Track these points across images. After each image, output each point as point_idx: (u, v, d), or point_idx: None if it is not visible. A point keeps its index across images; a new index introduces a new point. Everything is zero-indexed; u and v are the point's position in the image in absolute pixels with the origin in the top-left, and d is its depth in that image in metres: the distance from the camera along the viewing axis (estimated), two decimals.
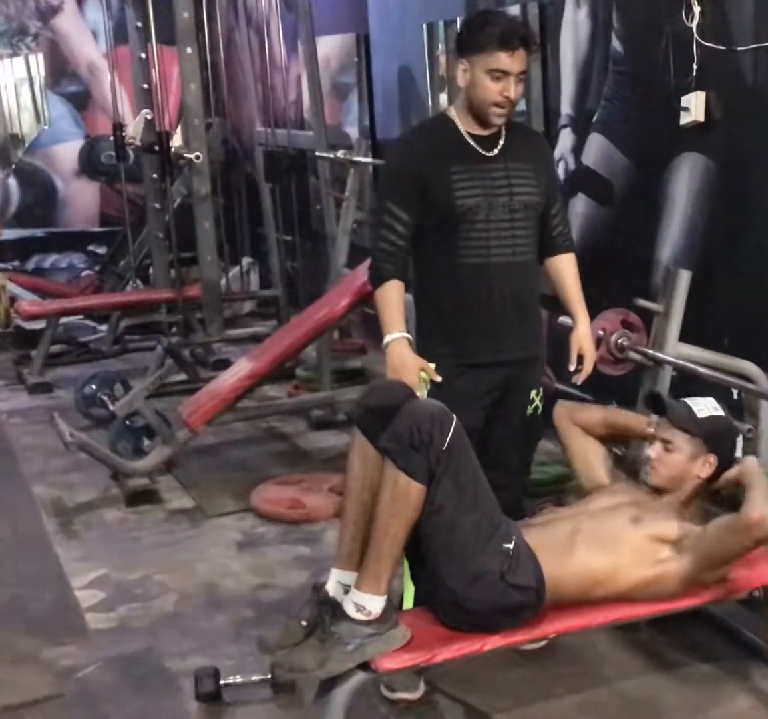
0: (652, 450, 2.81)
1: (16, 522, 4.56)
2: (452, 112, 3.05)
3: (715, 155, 3.87)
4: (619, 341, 3.42)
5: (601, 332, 3.44)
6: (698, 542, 2.64)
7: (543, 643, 3.16)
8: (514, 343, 3.09)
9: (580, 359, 3.14)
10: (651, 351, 3.31)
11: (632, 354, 3.38)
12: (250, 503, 4.50)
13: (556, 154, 4.80)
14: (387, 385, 2.85)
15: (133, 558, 4.12)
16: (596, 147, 4.55)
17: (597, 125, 4.53)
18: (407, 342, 3.01)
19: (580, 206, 4.70)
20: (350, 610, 2.54)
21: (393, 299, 3.03)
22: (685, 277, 3.31)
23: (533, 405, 3.16)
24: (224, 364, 6.76)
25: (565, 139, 4.76)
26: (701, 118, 3.84)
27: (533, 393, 3.15)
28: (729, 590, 2.78)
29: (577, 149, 4.68)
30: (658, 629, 3.20)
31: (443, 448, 2.49)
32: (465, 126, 3.01)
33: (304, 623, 2.59)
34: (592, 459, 3.01)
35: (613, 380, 3.96)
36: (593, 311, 3.59)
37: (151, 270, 8.17)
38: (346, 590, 2.61)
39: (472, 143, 3.01)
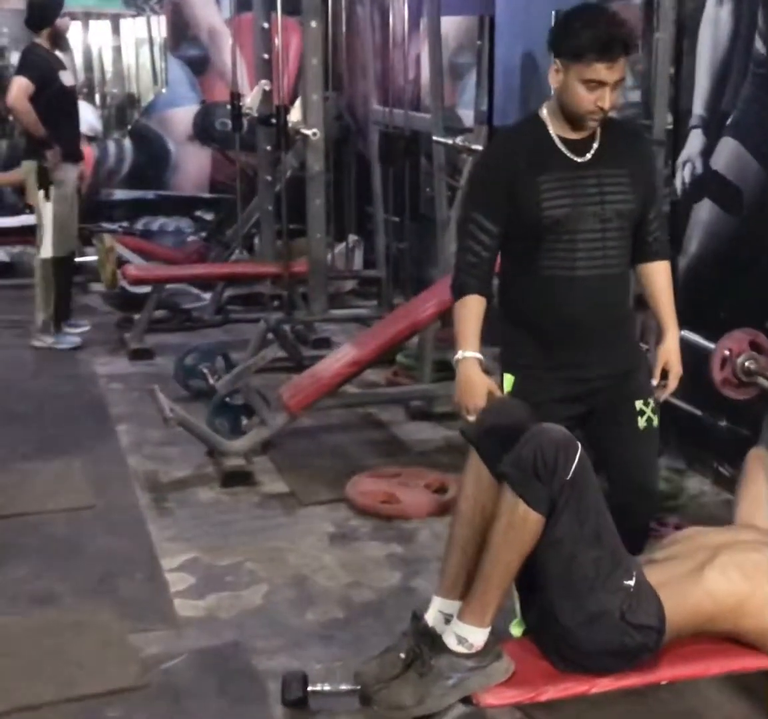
0: None
1: (110, 494, 4.57)
2: (544, 114, 2.89)
3: None
4: (746, 364, 3.27)
5: (727, 353, 3.30)
6: None
7: None
8: (604, 357, 2.95)
9: (666, 373, 2.99)
10: None
11: (761, 381, 3.22)
12: (345, 494, 4.46)
13: (684, 156, 4.63)
14: (506, 405, 2.75)
15: (224, 542, 4.11)
16: (728, 151, 4.36)
17: (731, 129, 4.34)
18: (478, 363, 2.90)
19: (704, 212, 4.52)
20: (451, 642, 2.45)
21: (471, 316, 2.91)
22: None
23: (644, 417, 2.99)
24: (325, 343, 6.77)
25: (695, 140, 4.57)
26: None
27: (639, 404, 2.98)
28: None
29: (707, 152, 4.48)
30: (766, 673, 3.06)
31: (568, 477, 2.38)
32: (557, 129, 2.86)
33: (402, 655, 2.50)
34: (762, 505, 2.83)
35: (728, 399, 3.82)
36: (710, 324, 3.46)
37: (256, 240, 8.18)
38: (448, 619, 2.53)
39: (563, 149, 2.86)
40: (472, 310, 2.92)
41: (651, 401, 3.01)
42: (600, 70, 2.69)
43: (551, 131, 2.87)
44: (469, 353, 2.89)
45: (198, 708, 3.07)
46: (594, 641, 2.43)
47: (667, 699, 3.02)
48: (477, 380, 2.87)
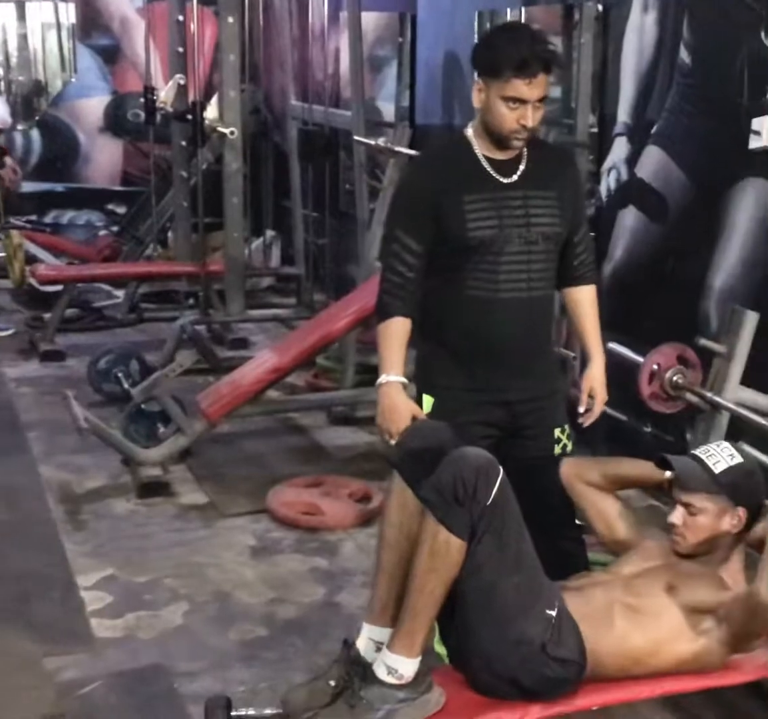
0: (675, 516, 2.59)
1: (21, 506, 4.42)
2: (470, 133, 2.83)
3: None
4: (675, 378, 3.26)
5: (655, 367, 3.28)
6: (731, 611, 2.46)
7: None
8: (523, 382, 2.89)
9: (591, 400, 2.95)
10: (709, 394, 3.14)
11: (689, 396, 3.21)
12: (266, 504, 4.36)
13: (609, 163, 4.62)
14: (431, 428, 2.68)
15: (142, 557, 3.99)
16: (653, 160, 4.36)
17: (656, 137, 4.34)
18: (401, 387, 2.82)
19: (629, 219, 4.51)
20: (381, 673, 2.40)
21: (395, 338, 2.84)
22: (752, 319, 3.14)
23: (560, 444, 2.98)
24: (242, 343, 6.66)
25: (620, 148, 4.56)
26: None
27: (557, 432, 2.96)
28: None
29: (632, 160, 4.48)
30: (706, 697, 3.04)
31: (488, 502, 2.34)
32: (482, 149, 2.80)
33: (331, 683, 2.46)
34: (609, 517, 2.80)
35: None
36: (634, 331, 3.45)
37: (170, 234, 8.02)
38: (378, 647, 2.48)
39: (488, 169, 2.79)
40: (396, 333, 2.85)
41: (567, 429, 2.99)
42: (520, 87, 2.64)
43: (477, 151, 2.80)
44: (393, 377, 2.82)
45: None
46: (514, 669, 2.40)
47: (595, 714, 2.98)
48: (401, 404, 2.80)
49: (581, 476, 2.86)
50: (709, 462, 2.57)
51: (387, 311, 2.86)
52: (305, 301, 7.07)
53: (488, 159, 2.79)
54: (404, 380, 2.85)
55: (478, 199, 2.77)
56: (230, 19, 5.72)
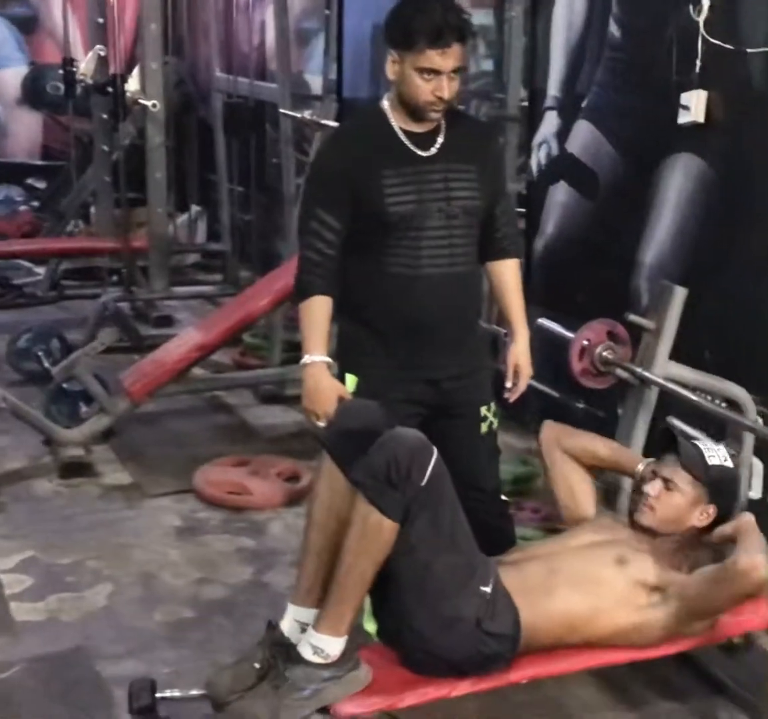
0: (651, 487, 2.61)
1: None
2: (386, 106, 2.76)
3: (713, 159, 3.67)
4: (604, 354, 3.23)
5: (585, 343, 3.25)
6: (684, 590, 2.48)
7: None
8: (448, 359, 2.85)
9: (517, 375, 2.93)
10: (639, 370, 3.12)
11: (618, 372, 3.19)
12: (192, 484, 4.28)
13: (539, 137, 4.59)
14: (361, 407, 2.61)
15: (64, 539, 3.89)
16: (583, 135, 4.33)
17: (586, 112, 4.31)
18: (326, 367, 2.76)
19: (560, 194, 4.49)
20: (307, 653, 2.35)
21: (316, 318, 2.76)
22: (680, 294, 3.12)
23: (486, 422, 2.95)
24: (167, 321, 6.54)
25: (550, 122, 4.53)
26: (701, 118, 3.63)
27: (483, 410, 2.93)
28: (710, 636, 2.64)
29: (562, 134, 4.45)
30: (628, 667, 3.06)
31: (422, 484, 2.29)
32: (399, 122, 2.73)
33: (256, 665, 2.40)
34: (577, 490, 2.81)
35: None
36: (566, 306, 3.42)
37: (92, 209, 7.85)
38: (304, 628, 2.43)
39: (406, 142, 2.73)
40: (318, 312, 2.77)
41: (493, 406, 2.96)
42: (433, 58, 2.59)
43: (393, 124, 2.74)
44: (316, 357, 2.75)
45: None
46: (449, 647, 2.38)
47: (525, 688, 2.96)
48: (326, 385, 2.73)
49: (561, 442, 2.86)
50: (706, 453, 2.62)
51: (307, 290, 2.78)
52: (231, 277, 6.97)
53: (406, 132, 2.73)
54: (328, 359, 2.79)
55: (396, 173, 2.71)
56: None
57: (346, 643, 2.37)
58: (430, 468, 2.30)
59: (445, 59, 2.59)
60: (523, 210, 4.68)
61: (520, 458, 4.44)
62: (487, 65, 5.92)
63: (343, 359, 2.92)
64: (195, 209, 7.96)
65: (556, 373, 4.32)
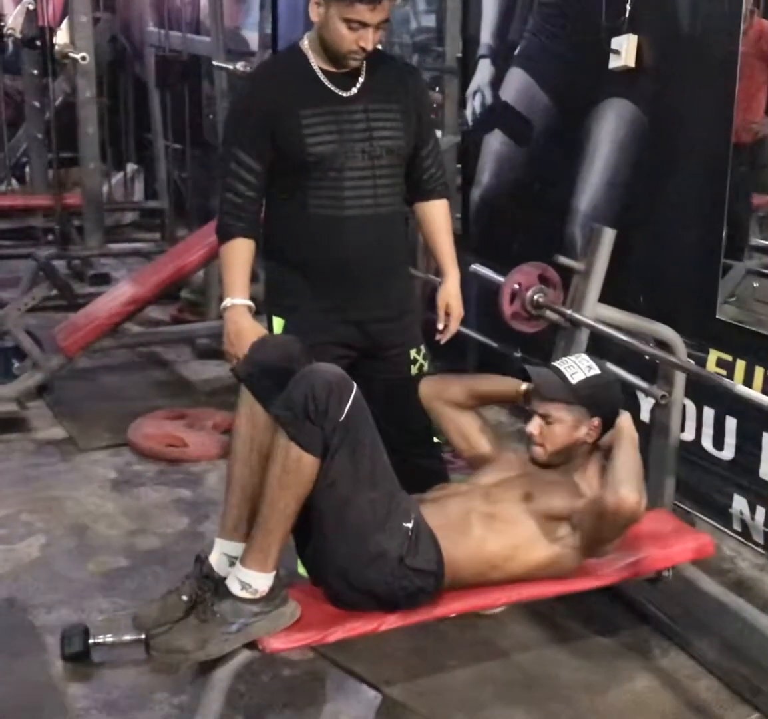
0: (532, 426, 2.61)
1: None
2: (306, 45, 2.73)
3: (644, 104, 3.67)
4: (535, 297, 3.23)
5: (516, 286, 3.24)
6: (580, 519, 2.50)
7: (502, 607, 2.99)
8: (375, 301, 2.85)
9: (447, 316, 2.95)
10: (569, 311, 3.13)
11: (549, 313, 3.20)
12: (128, 438, 4.25)
13: (473, 86, 4.56)
14: (278, 341, 2.61)
15: None
16: (517, 82, 4.31)
17: (519, 59, 4.29)
18: (247, 310, 2.75)
19: (495, 143, 4.47)
20: (235, 587, 2.34)
21: (238, 260, 2.76)
22: (609, 235, 3.12)
23: (417, 365, 2.96)
24: (103, 279, 6.46)
25: (484, 70, 4.50)
26: (631, 63, 3.63)
27: (413, 352, 2.95)
28: (638, 569, 2.68)
29: (496, 82, 4.42)
30: (556, 598, 3.08)
31: (341, 419, 2.28)
32: (319, 62, 2.71)
33: (184, 598, 2.40)
34: (469, 434, 2.80)
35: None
36: (503, 255, 3.42)
37: (27, 170, 7.72)
38: (232, 562, 2.41)
39: (326, 82, 2.71)
40: (239, 254, 2.76)
41: (423, 349, 2.98)
42: (363, 12, 2.57)
43: (313, 64, 2.71)
44: (237, 300, 2.74)
45: None
46: (372, 582, 2.38)
47: (460, 628, 3.02)
48: (247, 326, 2.73)
49: (440, 394, 2.84)
50: (567, 373, 2.60)
51: (228, 233, 2.77)
52: (169, 235, 6.88)
53: (325, 72, 2.71)
54: (250, 302, 2.78)
55: (315, 113, 2.69)
56: None
57: (273, 579, 2.36)
58: (349, 403, 2.29)
59: (374, 13, 2.58)
60: (457, 160, 4.68)
61: None
62: (429, 21, 5.89)
63: (270, 302, 2.91)
64: (131, 167, 7.85)
65: (493, 323, 4.34)
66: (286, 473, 2.29)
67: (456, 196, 4.72)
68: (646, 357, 3.53)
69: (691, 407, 3.56)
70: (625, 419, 2.58)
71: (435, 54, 5.55)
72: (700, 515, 3.55)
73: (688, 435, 3.58)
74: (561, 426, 2.58)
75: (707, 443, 3.55)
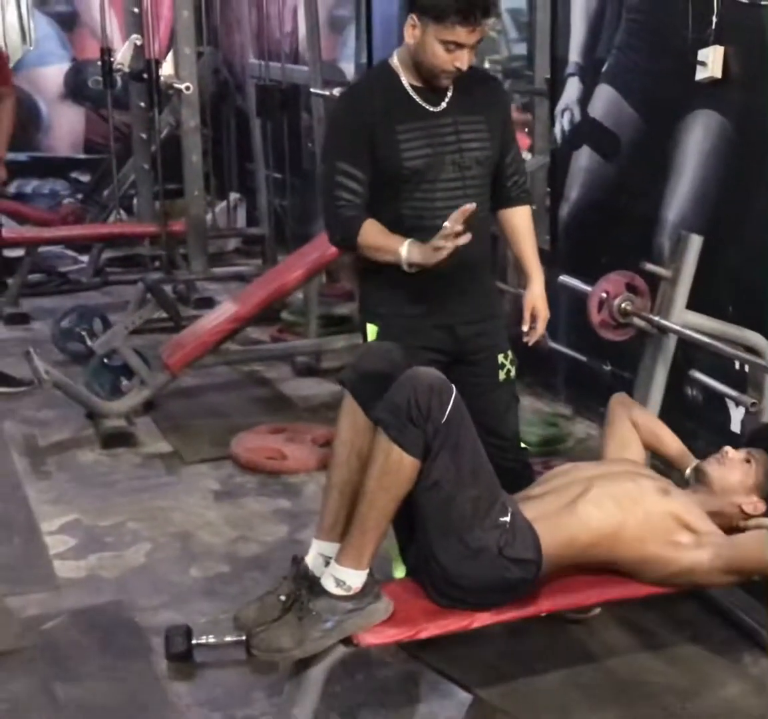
0: (733, 450, 2.71)
1: None
2: (395, 62, 2.81)
3: (731, 114, 3.70)
4: (623, 305, 3.27)
5: (604, 295, 3.29)
6: (727, 541, 2.55)
7: (596, 611, 3.08)
8: (462, 306, 2.91)
9: (534, 318, 2.96)
10: (656, 318, 3.17)
11: (636, 320, 3.23)
12: (230, 451, 4.38)
13: (562, 104, 4.63)
14: (381, 348, 2.69)
15: (105, 503, 4.01)
16: (604, 98, 4.37)
17: (606, 76, 4.35)
18: (418, 243, 2.72)
19: (583, 159, 4.53)
20: (329, 585, 2.43)
21: (380, 231, 2.77)
22: (696, 242, 3.16)
23: (504, 370, 3.01)
24: (207, 302, 6.63)
25: (572, 88, 4.57)
26: (718, 74, 3.66)
27: (500, 357, 2.99)
28: None
29: (584, 100, 4.49)
30: (646, 605, 3.10)
31: (442, 421, 2.36)
32: (409, 79, 2.79)
33: (282, 598, 2.49)
34: (629, 446, 2.90)
35: (610, 341, 3.85)
36: (592, 269, 3.48)
37: (134, 201, 7.98)
38: (327, 562, 2.50)
39: (416, 98, 2.79)
40: (376, 227, 2.77)
41: (510, 354, 3.02)
42: (460, 34, 2.64)
43: (404, 81, 2.80)
44: (404, 244, 2.70)
45: (81, 666, 2.98)
46: (474, 577, 2.44)
47: (548, 633, 3.05)
48: (423, 246, 2.68)
49: (632, 411, 2.96)
50: None
51: (354, 225, 2.78)
52: (270, 260, 7.05)
53: (415, 88, 2.80)
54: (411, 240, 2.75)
55: (410, 128, 2.77)
56: None
57: (367, 577, 2.44)
58: (449, 406, 2.37)
59: (471, 35, 2.65)
60: (549, 176, 4.73)
61: (548, 420, 4.49)
62: (520, 49, 5.96)
63: (364, 311, 3.01)
64: (234, 196, 8.07)
65: (582, 338, 4.38)
66: (386, 474, 2.37)
67: (545, 215, 4.79)
68: (736, 367, 3.56)
69: None
70: None
71: (526, 79, 5.62)
72: None
73: None
74: (749, 472, 2.68)
75: None
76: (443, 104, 2.81)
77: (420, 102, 2.80)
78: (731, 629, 3.07)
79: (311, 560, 2.55)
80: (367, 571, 2.44)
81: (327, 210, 2.87)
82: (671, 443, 2.93)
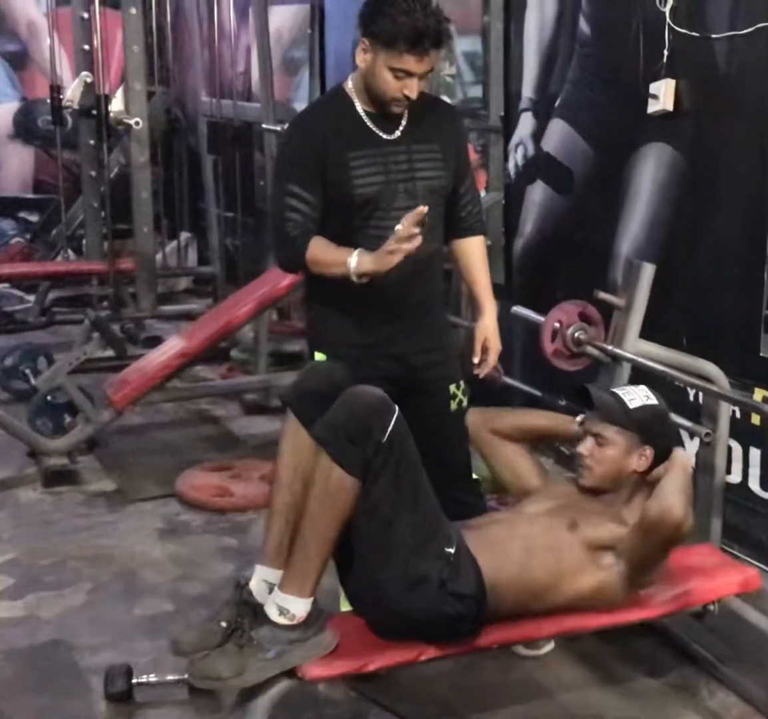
0: (583, 447, 2.59)
1: None
2: (350, 87, 2.76)
3: (683, 146, 3.71)
4: (576, 334, 3.23)
5: (557, 324, 3.25)
6: (625, 545, 2.46)
7: (549, 647, 2.99)
8: (414, 336, 2.84)
9: (485, 350, 2.90)
10: (610, 347, 3.13)
11: (589, 349, 3.19)
12: (176, 488, 4.27)
13: (515, 139, 4.63)
14: (324, 368, 2.63)
15: (46, 542, 3.89)
16: (558, 133, 4.38)
17: (559, 110, 4.36)
18: (367, 251, 2.64)
19: (537, 194, 4.52)
20: (272, 613, 2.33)
21: (327, 244, 2.68)
22: (648, 270, 3.13)
23: (456, 400, 2.93)
24: (156, 341, 6.49)
25: (525, 123, 4.58)
26: (670, 106, 3.68)
27: (452, 388, 2.92)
28: (684, 602, 2.63)
29: (538, 135, 4.49)
30: (602, 638, 3.03)
31: (383, 440, 2.28)
32: (363, 104, 2.74)
33: (223, 624, 2.39)
34: (517, 467, 2.80)
35: (564, 375, 3.81)
36: (546, 304, 3.43)
37: (84, 241, 7.89)
38: (271, 589, 2.41)
39: (370, 125, 2.73)
40: (325, 242, 2.69)
41: (462, 384, 2.95)
42: (410, 62, 2.59)
43: (358, 106, 2.75)
44: (353, 254, 2.61)
45: (15, 708, 2.86)
46: (414, 609, 2.35)
47: (502, 668, 2.98)
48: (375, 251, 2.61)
49: (488, 424, 2.85)
50: (626, 398, 2.59)
51: (301, 243, 2.70)
52: (221, 300, 6.97)
53: (369, 114, 2.74)
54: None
55: (362, 155, 2.71)
56: (133, 11, 5.62)
57: (312, 605, 2.35)
58: (391, 425, 2.30)
59: (421, 65, 2.61)
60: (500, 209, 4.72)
61: None
62: (476, 91, 5.97)
63: (313, 338, 2.93)
64: (185, 235, 8.00)
65: (536, 371, 4.34)
66: (327, 495, 2.30)
67: (500, 251, 4.76)
68: (689, 399, 3.53)
69: (737, 449, 3.51)
70: (680, 452, 2.54)
71: (482, 118, 5.63)
72: (748, 558, 3.47)
73: (735, 477, 3.53)
74: (613, 449, 2.56)
75: (754, 484, 3.50)
76: (397, 132, 2.76)
77: (373, 129, 2.74)
78: (688, 663, 3.01)
79: (255, 586, 2.46)
80: (311, 599, 2.35)
81: (276, 232, 2.79)
82: (541, 424, 2.83)
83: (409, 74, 2.62)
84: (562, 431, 2.81)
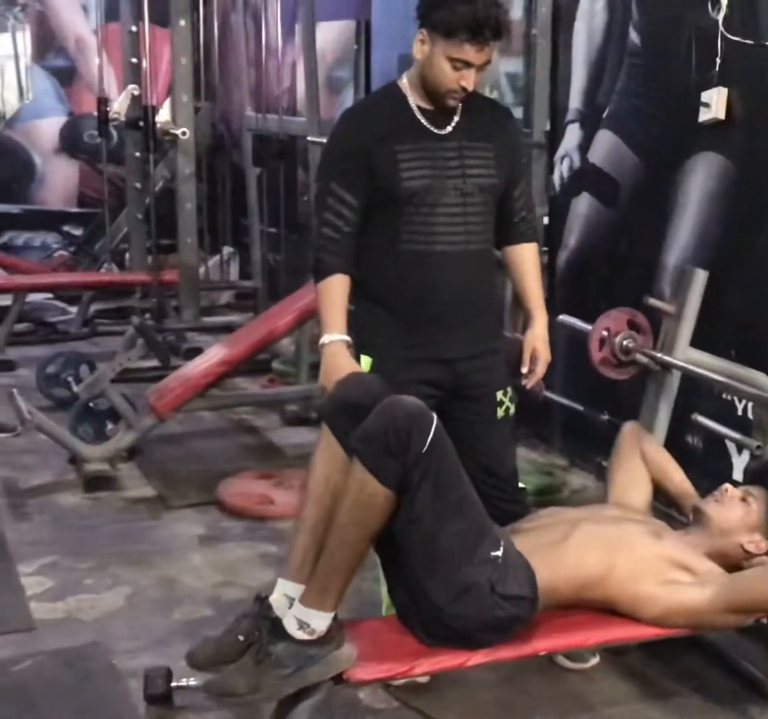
0: (730, 488, 2.61)
1: None
2: (404, 83, 2.74)
3: (734, 155, 3.66)
4: (625, 343, 3.19)
5: (605, 332, 3.21)
6: (729, 578, 2.45)
7: (594, 660, 2.96)
8: (462, 340, 2.79)
9: (534, 360, 2.87)
10: (659, 355, 3.08)
11: (638, 357, 3.14)
12: (216, 496, 4.26)
13: (561, 151, 4.60)
14: (361, 379, 2.57)
15: (86, 546, 3.87)
16: (605, 144, 4.34)
17: (607, 121, 4.32)
18: (345, 346, 2.71)
19: (583, 206, 4.48)
20: (291, 627, 2.27)
21: (335, 296, 2.73)
22: (701, 277, 3.09)
23: (503, 407, 2.88)
24: (197, 353, 6.48)
25: (572, 135, 4.54)
26: (722, 115, 3.63)
27: (499, 394, 2.87)
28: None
29: (584, 146, 4.45)
30: (648, 653, 2.97)
31: (423, 450, 2.22)
32: (416, 100, 2.72)
33: (240, 638, 2.32)
34: (634, 486, 2.79)
35: (607, 389, 3.77)
36: (592, 316, 3.40)
37: (127, 254, 7.94)
38: (292, 604, 2.34)
39: (422, 120, 2.72)
40: (336, 291, 2.73)
41: (509, 391, 2.91)
42: (469, 52, 2.57)
43: (411, 102, 2.73)
44: (335, 336, 2.70)
45: (52, 708, 2.83)
46: (466, 617, 2.30)
47: (547, 682, 2.92)
48: (343, 363, 2.67)
49: (642, 442, 2.87)
50: None
51: (325, 269, 2.74)
52: (261, 313, 6.98)
53: (422, 110, 2.73)
54: (347, 338, 2.75)
55: (410, 149, 2.69)
56: (182, 23, 5.69)
57: (332, 620, 2.29)
58: (431, 434, 2.24)
59: (480, 55, 2.59)
60: (545, 221, 4.68)
61: (544, 470, 4.38)
62: (518, 113, 5.96)
63: (358, 340, 2.87)
64: (227, 250, 8.03)
65: (578, 385, 4.30)
66: (360, 507, 2.23)
67: (542, 268, 4.71)
68: (738, 413, 3.47)
69: None
70: None
71: (525, 136, 5.61)
72: None
73: None
74: (747, 511, 2.59)
75: None
76: (449, 128, 2.73)
77: (425, 124, 2.72)
78: (737, 679, 2.93)
79: (275, 600, 2.39)
80: (332, 614, 2.29)
81: (315, 233, 2.80)
82: (678, 480, 2.83)
83: (468, 65, 2.59)
84: (682, 497, 2.82)
